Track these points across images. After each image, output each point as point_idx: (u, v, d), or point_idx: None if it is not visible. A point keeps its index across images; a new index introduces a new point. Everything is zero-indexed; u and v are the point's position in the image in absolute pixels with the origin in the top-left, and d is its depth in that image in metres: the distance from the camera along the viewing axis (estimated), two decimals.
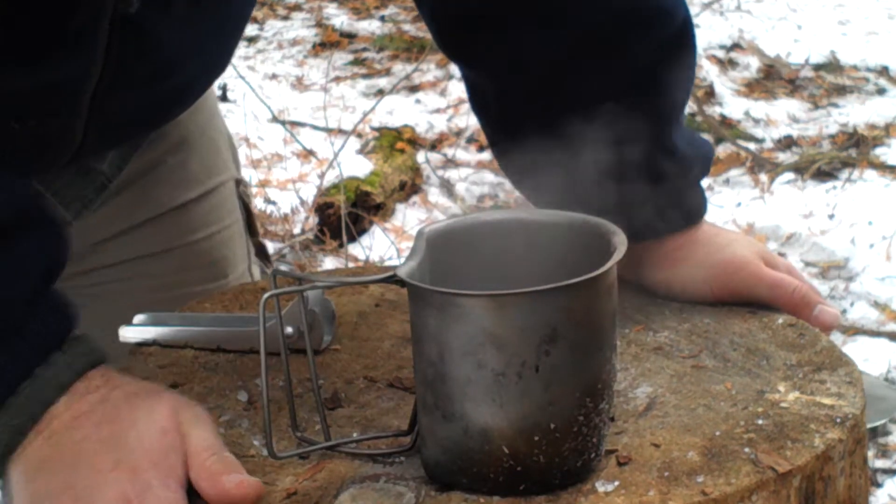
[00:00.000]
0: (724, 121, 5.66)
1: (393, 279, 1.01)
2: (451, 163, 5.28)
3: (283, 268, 1.22)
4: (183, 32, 1.26)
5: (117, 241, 1.45)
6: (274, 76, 6.53)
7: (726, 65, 6.32)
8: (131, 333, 1.26)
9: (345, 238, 4.45)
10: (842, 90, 5.99)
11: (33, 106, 1.21)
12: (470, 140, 5.55)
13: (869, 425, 1.21)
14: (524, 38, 1.30)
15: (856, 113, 5.67)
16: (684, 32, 1.32)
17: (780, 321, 1.26)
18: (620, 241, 1.01)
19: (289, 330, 1.17)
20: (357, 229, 4.58)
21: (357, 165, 4.92)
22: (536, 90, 1.30)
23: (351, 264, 4.21)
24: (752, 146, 5.32)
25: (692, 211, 1.33)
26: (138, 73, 1.25)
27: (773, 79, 6.15)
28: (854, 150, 5.22)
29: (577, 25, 1.29)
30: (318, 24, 7.38)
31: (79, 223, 1.42)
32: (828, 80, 6.09)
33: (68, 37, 1.17)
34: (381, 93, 5.99)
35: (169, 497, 0.99)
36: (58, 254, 1.11)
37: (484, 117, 1.38)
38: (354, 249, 4.48)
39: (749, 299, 1.29)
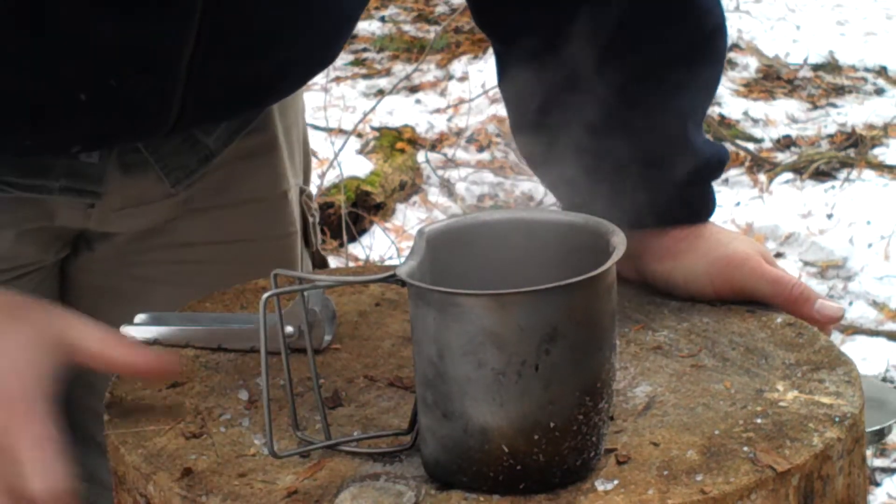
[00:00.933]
0: (723, 121, 5.66)
1: (393, 279, 1.01)
2: (451, 163, 5.28)
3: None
4: (285, 8, 1.28)
5: (204, 217, 1.49)
6: None
7: (725, 65, 6.32)
8: (132, 333, 1.27)
9: (345, 238, 4.46)
10: (840, 90, 6.00)
11: (131, 62, 1.23)
12: (470, 140, 5.55)
13: (872, 428, 1.21)
14: (561, 16, 1.31)
15: (854, 113, 5.67)
16: (718, 33, 1.34)
17: (779, 320, 1.26)
18: (620, 241, 1.02)
19: (289, 329, 1.17)
20: (357, 229, 4.58)
21: (357, 165, 4.92)
22: (567, 72, 1.31)
23: (351, 264, 4.21)
24: (750, 146, 5.32)
25: (700, 208, 1.34)
26: (236, 43, 1.27)
27: (771, 79, 6.16)
28: (852, 149, 5.22)
29: (616, 7, 1.30)
30: None
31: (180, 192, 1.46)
32: (826, 81, 6.09)
33: None
34: (381, 93, 5.99)
35: (39, 431, 1.04)
36: None
37: (511, 97, 1.39)
38: (355, 249, 4.48)
39: (750, 295, 1.29)
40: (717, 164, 1.35)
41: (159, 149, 1.42)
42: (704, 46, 1.33)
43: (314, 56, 1.40)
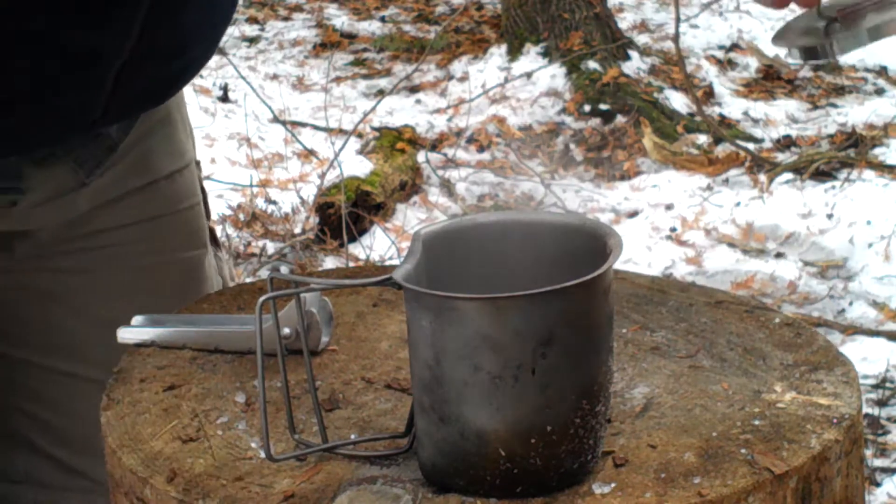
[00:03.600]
0: (724, 121, 5.66)
1: (389, 282, 1.01)
2: (451, 163, 5.28)
3: (283, 268, 1.22)
4: (195, 14, 1.34)
5: (120, 204, 1.52)
6: (275, 76, 6.53)
7: (725, 65, 6.33)
8: (129, 335, 1.27)
9: (345, 238, 4.46)
10: (840, 90, 6.00)
11: (69, 67, 1.26)
12: (470, 140, 5.55)
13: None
14: None
15: (854, 113, 5.68)
16: None
17: (777, 320, 1.26)
18: (616, 243, 1.01)
19: (286, 331, 1.17)
20: (358, 229, 4.59)
21: (357, 165, 4.93)
22: None
23: (351, 264, 4.21)
24: (751, 146, 5.32)
25: None
26: (158, 49, 1.32)
27: (771, 79, 6.16)
28: (853, 150, 5.22)
29: None
30: (319, 25, 7.39)
31: (90, 185, 1.49)
32: (826, 81, 6.09)
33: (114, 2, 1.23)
34: (381, 93, 5.99)
35: None
36: None
37: None
38: (355, 249, 4.48)
39: None
40: None
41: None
42: None
43: (209, 50, 1.47)
